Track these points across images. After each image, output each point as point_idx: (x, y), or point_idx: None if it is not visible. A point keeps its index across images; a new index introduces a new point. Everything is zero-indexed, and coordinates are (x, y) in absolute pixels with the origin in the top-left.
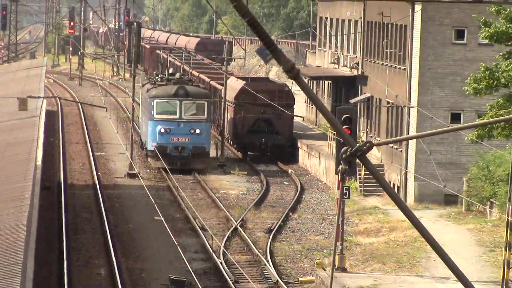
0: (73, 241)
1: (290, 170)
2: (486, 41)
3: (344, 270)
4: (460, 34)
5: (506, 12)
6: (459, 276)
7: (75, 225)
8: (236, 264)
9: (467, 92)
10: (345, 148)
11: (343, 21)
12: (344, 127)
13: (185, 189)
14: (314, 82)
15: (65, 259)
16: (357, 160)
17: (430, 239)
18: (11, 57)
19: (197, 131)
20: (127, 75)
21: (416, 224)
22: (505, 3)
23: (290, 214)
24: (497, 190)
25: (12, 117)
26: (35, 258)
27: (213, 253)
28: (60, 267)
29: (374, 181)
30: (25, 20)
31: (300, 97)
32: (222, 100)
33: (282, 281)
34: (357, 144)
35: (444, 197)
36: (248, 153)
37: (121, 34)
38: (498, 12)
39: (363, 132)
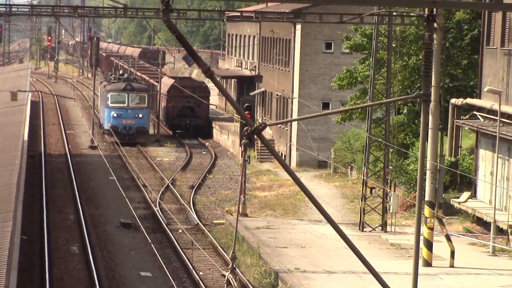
0: (50, 194)
1: (207, 143)
2: (347, 50)
3: (245, 215)
4: (328, 46)
5: (361, 29)
6: (328, 219)
7: (52, 183)
8: (168, 211)
9: (333, 87)
10: (246, 127)
11: (244, 36)
12: (245, 112)
13: (131, 157)
14: (224, 80)
15: (44, 208)
16: (255, 136)
17: (307, 192)
18: (5, 62)
19: (140, 115)
20: (90, 75)
21: (297, 181)
22: (361, 23)
23: (207, 175)
24: (355, 157)
25: (6, 105)
26: (23, 207)
27: (151, 203)
28: (41, 214)
29: (268, 151)
30: (15, 35)
31: (214, 91)
32: (158, 93)
33: (201, 223)
34: (255, 125)
35: (318, 162)
36: (177, 131)
37: (85, 45)
38: (356, 30)
39: (260, 116)
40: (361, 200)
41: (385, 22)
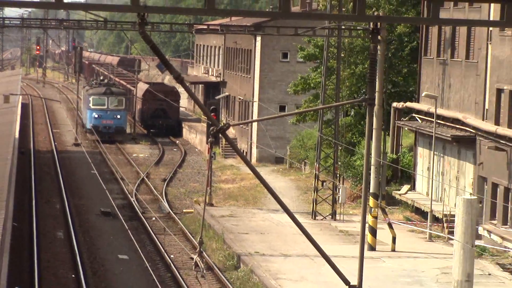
0: (39, 186)
1: (177, 141)
2: (302, 59)
3: (211, 205)
4: (285, 55)
5: (314, 41)
6: (284, 208)
7: (40, 176)
8: (143, 201)
9: (289, 92)
10: (212, 127)
11: (211, 46)
12: (211, 114)
13: (110, 153)
14: (193, 85)
15: (33, 198)
16: (220, 135)
17: (266, 185)
18: None
19: (118, 116)
20: (74, 80)
21: (257, 175)
22: (313, 35)
23: (178, 169)
24: (308, 154)
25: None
26: (14, 198)
27: (128, 194)
28: (30, 203)
29: (231, 148)
30: (8, 45)
31: (184, 95)
32: (134, 97)
33: (172, 212)
34: (220, 125)
35: (275, 158)
36: (151, 130)
37: (69, 54)
38: (309, 41)
39: (224, 117)
40: (313, 192)
41: (335, 35)
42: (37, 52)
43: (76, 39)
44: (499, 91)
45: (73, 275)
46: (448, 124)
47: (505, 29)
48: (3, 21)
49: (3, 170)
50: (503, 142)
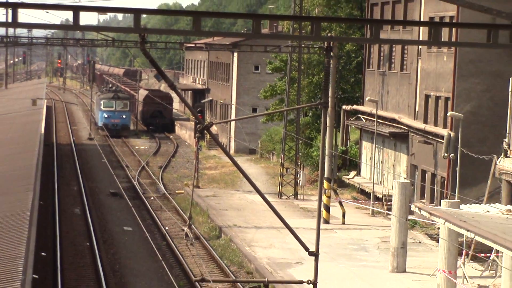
0: (60, 172)
1: (171, 136)
2: (270, 71)
3: (198, 187)
4: (256, 68)
5: (280, 57)
6: (256, 190)
7: (61, 164)
8: (144, 184)
9: (260, 97)
10: (199, 125)
11: (198, 60)
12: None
13: (117, 146)
14: (183, 91)
15: (56, 182)
16: (205, 131)
17: (241, 171)
18: (27, 78)
19: (124, 116)
20: (88, 88)
21: (235, 163)
22: (279, 52)
23: (171, 159)
24: (275, 147)
25: (28, 109)
26: (41, 181)
27: (131, 178)
28: (53, 185)
29: (214, 142)
30: (35, 59)
31: (176, 99)
32: (136, 101)
33: (167, 192)
34: (205, 123)
35: (249, 150)
36: (150, 127)
37: (84, 66)
38: (275, 57)
39: (208, 117)
40: (279, 177)
41: (296, 52)
42: (59, 65)
43: (90, 54)
44: (427, 97)
45: (87, 243)
46: (386, 123)
47: (431, 47)
48: (31, 39)
49: (31, 159)
50: (430, 137)
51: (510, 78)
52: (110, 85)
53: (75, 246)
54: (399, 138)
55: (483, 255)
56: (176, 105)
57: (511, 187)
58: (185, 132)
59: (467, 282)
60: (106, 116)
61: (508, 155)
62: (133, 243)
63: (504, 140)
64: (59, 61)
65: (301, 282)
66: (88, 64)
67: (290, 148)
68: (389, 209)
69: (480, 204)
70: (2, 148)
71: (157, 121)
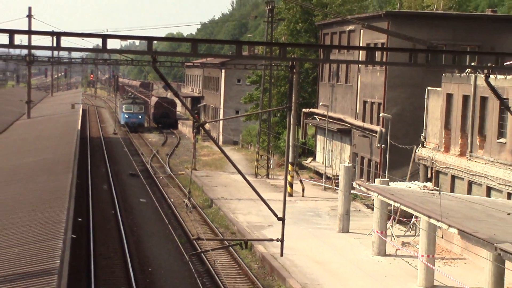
0: (92, 158)
1: (175, 132)
2: (249, 83)
3: (195, 169)
4: (238, 81)
5: (256, 72)
6: (238, 171)
7: (93, 152)
8: (155, 167)
9: (242, 102)
10: (196, 123)
11: (195, 75)
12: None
13: (135, 138)
14: (185, 98)
15: (89, 165)
16: (201, 128)
17: (227, 157)
18: (68, 88)
19: (140, 117)
20: (113, 95)
21: (222, 151)
22: (256, 69)
23: (175, 148)
24: (253, 139)
25: (68, 111)
26: (78, 166)
27: (145, 163)
28: (87, 168)
29: (207, 135)
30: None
31: (179, 104)
32: (149, 105)
33: (172, 173)
34: (201, 122)
35: (233, 142)
36: (159, 125)
37: (111, 80)
38: (253, 72)
39: (203, 117)
40: (256, 161)
41: (268, 69)
42: (91, 78)
43: (114, 70)
44: (365, 102)
45: (112, 211)
46: (334, 121)
47: (368, 66)
48: (70, 60)
49: (70, 148)
50: (367, 132)
51: (426, 89)
52: (130, 94)
53: (103, 213)
54: (344, 133)
55: (406, 219)
56: (179, 108)
57: (426, 169)
58: (185, 128)
59: (394, 239)
60: (127, 116)
61: (424, 145)
62: (146, 211)
63: (422, 134)
64: (92, 75)
65: (271, 240)
66: (113, 78)
67: (264, 140)
68: (337, 186)
69: (403, 182)
70: (49, 140)
71: (165, 120)
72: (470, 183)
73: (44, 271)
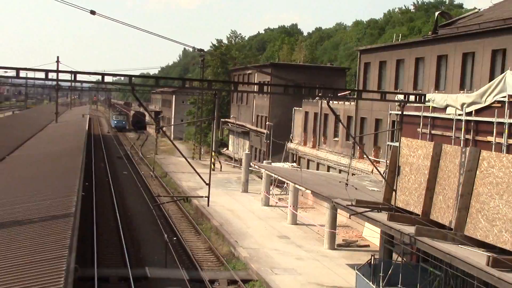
0: (94, 148)
1: (145, 132)
2: (189, 103)
3: (157, 154)
4: (183, 102)
5: (194, 96)
6: (183, 156)
7: (95, 145)
8: (132, 153)
9: (185, 115)
10: (157, 127)
11: (157, 98)
12: (157, 122)
13: (120, 136)
14: (151, 111)
15: (92, 151)
16: (160, 129)
17: (176, 147)
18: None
19: (124, 122)
20: (108, 109)
21: (173, 144)
22: (194, 94)
23: (145, 141)
24: (191, 136)
25: (80, 119)
26: (86, 154)
27: (127, 150)
28: (91, 152)
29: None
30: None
31: (147, 115)
32: (129, 115)
33: (143, 156)
34: (160, 126)
35: (179, 138)
36: (135, 128)
37: (107, 100)
38: (192, 97)
39: (162, 123)
40: (193, 150)
41: (200, 95)
42: (94, 99)
43: (109, 94)
44: (257, 115)
45: (107, 179)
46: (240, 127)
47: (260, 94)
48: (82, 88)
49: (80, 141)
50: (259, 133)
51: (293, 108)
52: (117, 108)
53: (101, 181)
54: (245, 133)
55: (281, 185)
56: (147, 118)
57: (293, 155)
58: (151, 130)
59: (274, 197)
60: (116, 122)
61: (292, 141)
62: (127, 179)
63: (291, 135)
64: (95, 97)
65: (202, 196)
66: (108, 99)
67: (198, 137)
68: (241, 165)
69: (280, 163)
70: (68, 136)
71: (139, 125)
72: (318, 164)
73: (64, 215)
